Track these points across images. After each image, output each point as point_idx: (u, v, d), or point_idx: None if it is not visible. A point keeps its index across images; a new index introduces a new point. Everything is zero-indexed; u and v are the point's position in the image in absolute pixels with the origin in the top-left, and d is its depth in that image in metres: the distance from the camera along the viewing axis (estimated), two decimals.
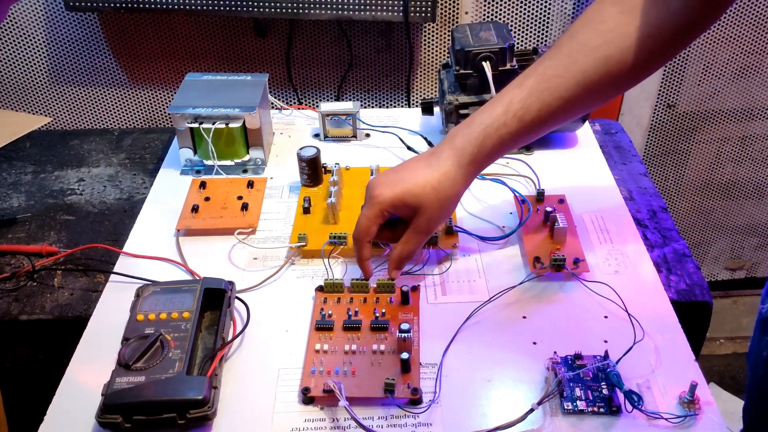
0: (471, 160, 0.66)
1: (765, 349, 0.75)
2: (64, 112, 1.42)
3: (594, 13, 0.64)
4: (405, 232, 0.68)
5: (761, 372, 0.77)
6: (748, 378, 0.82)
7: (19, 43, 1.33)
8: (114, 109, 1.42)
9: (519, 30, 1.31)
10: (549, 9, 1.28)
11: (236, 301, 0.71)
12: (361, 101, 1.39)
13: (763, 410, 0.79)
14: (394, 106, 1.40)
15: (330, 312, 0.69)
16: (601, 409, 0.59)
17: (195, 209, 0.84)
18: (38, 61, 1.36)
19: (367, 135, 1.00)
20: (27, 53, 1.35)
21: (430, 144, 0.96)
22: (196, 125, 0.89)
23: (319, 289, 0.72)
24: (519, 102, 0.64)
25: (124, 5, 1.19)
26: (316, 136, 1.01)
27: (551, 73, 0.64)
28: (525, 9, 1.29)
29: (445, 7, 1.28)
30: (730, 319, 1.66)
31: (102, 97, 1.41)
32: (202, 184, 0.88)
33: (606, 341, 0.66)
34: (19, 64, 1.36)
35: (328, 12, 1.19)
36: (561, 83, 0.63)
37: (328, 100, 1.39)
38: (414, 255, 0.70)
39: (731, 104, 1.45)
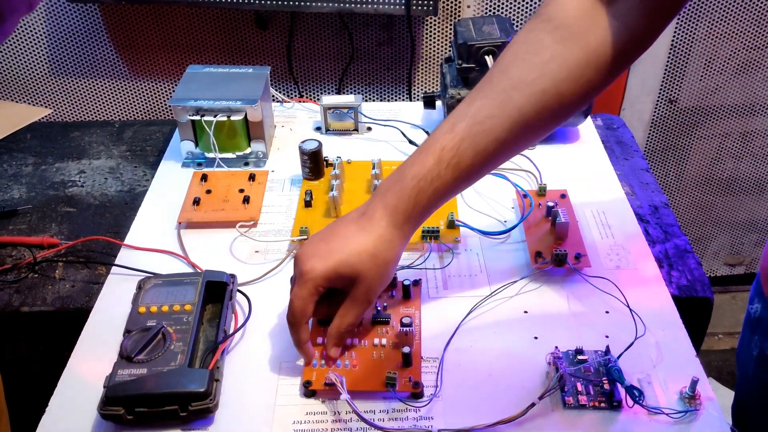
0: (406, 218, 0.61)
1: (754, 349, 0.75)
2: (65, 104, 1.42)
3: (526, 44, 0.60)
4: (342, 303, 0.62)
5: (750, 371, 0.77)
6: (738, 377, 0.82)
7: (20, 34, 1.33)
8: (115, 100, 1.42)
9: (521, 23, 1.30)
10: None
11: (238, 294, 0.71)
12: (363, 94, 1.39)
13: (751, 409, 0.80)
14: (395, 100, 1.40)
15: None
16: (602, 404, 0.59)
17: (196, 202, 0.84)
18: (39, 53, 1.35)
19: (369, 128, 1.00)
20: (28, 44, 1.34)
21: None
22: (197, 118, 0.89)
23: None
24: (452, 150, 0.59)
25: None
26: (318, 129, 1.01)
27: (485, 114, 0.59)
28: (527, 2, 1.28)
29: (447, 0, 1.28)
30: (729, 315, 1.67)
31: (103, 89, 1.40)
32: (204, 177, 0.88)
33: (607, 336, 0.66)
34: (19, 56, 1.35)
35: (330, 4, 1.19)
36: (496, 124, 0.59)
37: (329, 93, 1.39)
38: (354, 327, 0.63)
39: (732, 100, 1.45)
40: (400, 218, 0.61)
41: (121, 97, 1.42)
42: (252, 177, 0.88)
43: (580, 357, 0.63)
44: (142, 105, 1.43)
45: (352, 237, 0.61)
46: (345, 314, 0.62)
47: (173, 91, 1.02)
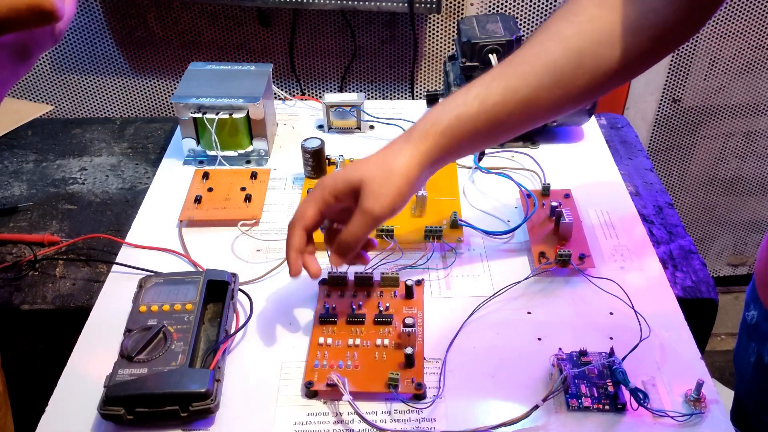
0: (422, 135, 0.60)
1: (752, 355, 0.75)
2: (66, 101, 1.42)
3: (570, 4, 0.61)
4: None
5: (748, 376, 0.76)
6: (736, 381, 0.82)
7: None
8: (116, 97, 1.42)
9: (526, 22, 1.30)
10: (556, 0, 1.27)
11: (239, 293, 0.70)
12: (365, 92, 1.38)
13: (749, 413, 0.79)
14: (398, 98, 1.40)
15: (333, 305, 0.68)
16: (607, 407, 0.59)
17: (198, 200, 0.83)
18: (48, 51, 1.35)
19: (372, 127, 1.00)
20: None
21: None
22: (199, 115, 0.88)
23: (323, 282, 0.71)
24: (483, 85, 0.60)
25: None
26: (320, 127, 1.00)
27: (519, 60, 0.60)
28: (532, 0, 1.28)
29: None
30: (732, 315, 1.66)
31: (104, 86, 1.40)
32: (205, 175, 0.88)
33: (611, 338, 0.66)
34: None
35: (332, 2, 1.19)
36: (528, 70, 0.59)
37: (331, 91, 1.38)
38: (360, 242, 0.61)
39: (737, 99, 1.44)
40: (415, 134, 0.60)
41: (122, 94, 1.41)
42: (254, 175, 0.88)
43: (584, 359, 0.62)
44: (144, 102, 1.43)
45: (368, 157, 0.62)
46: (352, 224, 0.60)
47: (175, 88, 1.02)
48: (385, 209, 0.60)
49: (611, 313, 0.68)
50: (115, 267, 0.76)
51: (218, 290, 0.68)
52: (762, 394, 0.75)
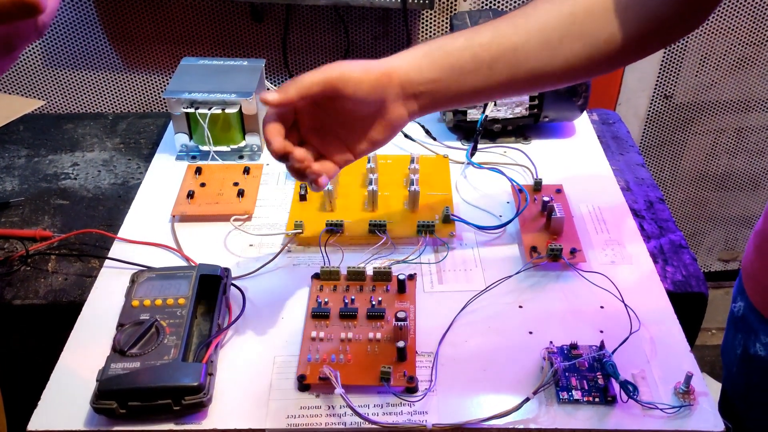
0: (405, 52, 0.61)
1: (738, 347, 0.75)
2: (58, 96, 1.41)
3: None
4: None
5: (734, 368, 0.77)
6: (723, 375, 0.82)
7: None
8: (108, 92, 1.41)
9: None
10: None
11: (232, 288, 0.70)
12: None
13: (737, 405, 0.80)
14: None
15: (326, 300, 0.69)
16: (597, 399, 0.59)
17: (190, 195, 0.83)
18: (32, 44, 1.34)
19: None
20: None
21: (427, 132, 0.96)
22: (192, 110, 0.88)
23: (316, 276, 0.71)
24: (472, 29, 0.62)
25: None
26: None
27: (513, 14, 0.63)
28: None
29: None
30: (722, 310, 1.66)
31: (96, 81, 1.40)
32: (198, 170, 0.88)
33: (602, 331, 0.66)
34: None
35: None
36: (520, 23, 0.61)
37: None
38: (305, 85, 0.59)
39: (728, 95, 1.45)
40: (399, 54, 0.62)
41: (114, 89, 1.41)
42: (246, 170, 0.88)
43: (574, 352, 0.63)
44: (136, 97, 1.42)
45: None
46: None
47: (167, 83, 1.02)
48: (353, 71, 0.59)
49: (602, 307, 0.69)
50: (107, 262, 0.76)
51: (211, 285, 0.68)
52: (747, 386, 0.76)
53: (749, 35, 1.37)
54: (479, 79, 0.61)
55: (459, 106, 0.70)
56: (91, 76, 1.39)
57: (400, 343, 0.62)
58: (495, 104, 0.90)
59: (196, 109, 0.88)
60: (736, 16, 1.35)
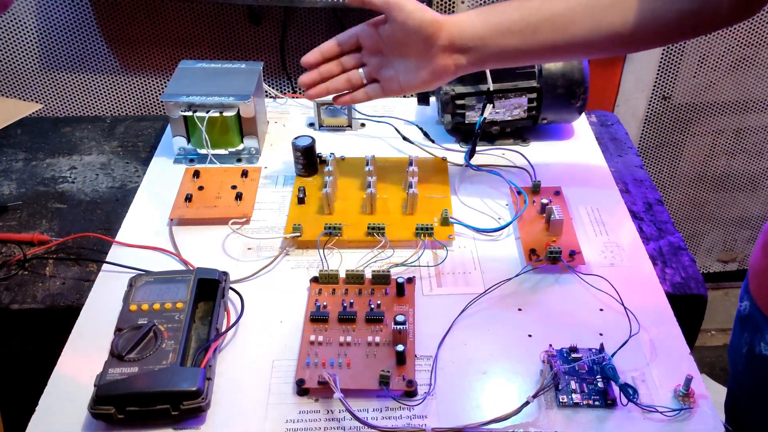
0: (457, 12, 0.70)
1: (744, 346, 0.75)
2: (56, 99, 1.41)
3: None
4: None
5: (741, 367, 0.77)
6: (730, 374, 0.82)
7: (9, 28, 1.32)
8: (106, 96, 1.41)
9: None
10: None
11: (230, 291, 0.70)
12: None
13: (742, 406, 0.80)
14: None
15: (325, 303, 0.68)
16: (597, 402, 0.59)
17: (188, 198, 0.83)
18: (29, 47, 1.34)
19: (363, 125, 1.00)
20: (18, 38, 1.33)
21: (425, 134, 0.96)
22: (189, 113, 0.88)
23: (314, 280, 0.71)
24: None
25: None
26: (311, 125, 1.00)
27: None
28: None
29: None
30: (721, 311, 1.67)
31: (94, 84, 1.39)
32: (196, 173, 0.87)
33: (601, 334, 0.66)
34: (9, 50, 1.34)
35: (323, 0, 1.18)
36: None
37: None
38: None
39: (726, 96, 1.45)
40: (459, 13, 0.70)
41: (112, 92, 1.41)
42: (245, 173, 0.88)
43: (574, 355, 0.63)
44: (134, 100, 1.42)
45: None
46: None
47: (165, 86, 1.02)
48: (410, 3, 0.69)
49: (601, 310, 0.69)
50: (105, 266, 0.75)
51: (209, 289, 0.68)
52: (753, 384, 0.76)
53: (747, 36, 1.37)
54: (523, 41, 0.68)
55: (507, 65, 0.77)
56: (88, 79, 1.39)
57: (399, 347, 0.62)
58: (493, 106, 0.90)
59: (194, 112, 0.88)
60: None
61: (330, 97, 0.97)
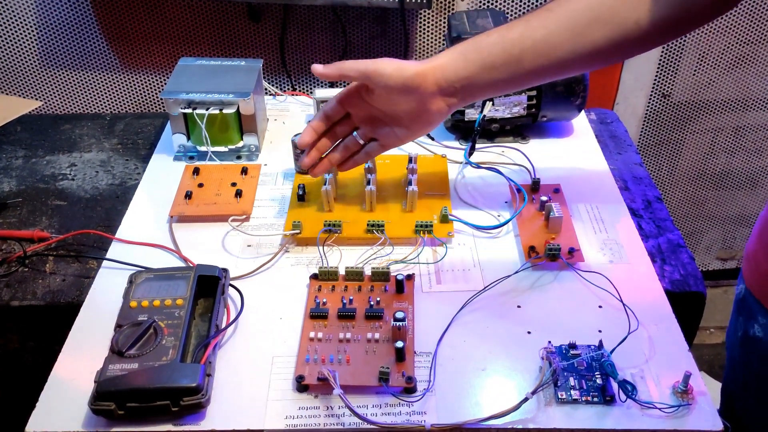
0: (440, 54, 0.68)
1: (739, 329, 0.76)
2: (56, 96, 1.41)
3: None
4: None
5: (736, 354, 0.78)
6: (726, 362, 0.83)
7: (9, 25, 1.32)
8: (106, 93, 1.41)
9: (516, 17, 1.30)
10: None
11: (230, 288, 0.70)
12: None
13: (737, 394, 0.80)
14: None
15: (324, 300, 0.69)
16: (595, 399, 0.59)
17: (188, 195, 0.83)
18: (29, 44, 1.34)
19: None
20: (17, 36, 1.33)
21: None
22: (189, 111, 0.88)
23: (314, 277, 0.71)
24: (507, 26, 0.67)
25: None
26: None
27: (543, 8, 0.67)
28: None
29: None
30: (720, 309, 1.68)
31: (94, 81, 1.39)
32: (196, 171, 0.87)
33: (600, 331, 0.66)
34: (9, 47, 1.34)
35: None
36: (549, 15, 0.65)
37: (322, 87, 1.38)
38: (345, 67, 0.70)
39: (726, 94, 1.45)
40: (434, 56, 0.69)
41: (112, 89, 1.41)
42: (244, 170, 0.88)
43: (573, 351, 0.63)
44: (134, 97, 1.42)
45: None
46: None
47: (165, 83, 1.02)
48: (386, 68, 0.68)
49: (600, 307, 0.69)
50: (105, 263, 0.75)
51: (209, 285, 0.68)
52: (747, 371, 0.76)
53: (747, 33, 1.37)
54: (509, 73, 0.67)
55: (494, 95, 0.80)
56: (88, 76, 1.39)
57: (399, 344, 0.62)
58: (493, 104, 0.90)
59: (194, 109, 0.88)
60: (734, 15, 1.35)
61: (330, 95, 0.98)
